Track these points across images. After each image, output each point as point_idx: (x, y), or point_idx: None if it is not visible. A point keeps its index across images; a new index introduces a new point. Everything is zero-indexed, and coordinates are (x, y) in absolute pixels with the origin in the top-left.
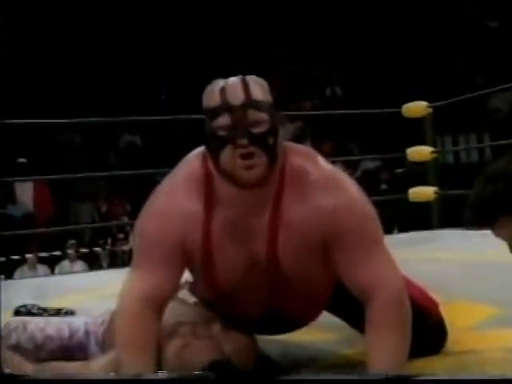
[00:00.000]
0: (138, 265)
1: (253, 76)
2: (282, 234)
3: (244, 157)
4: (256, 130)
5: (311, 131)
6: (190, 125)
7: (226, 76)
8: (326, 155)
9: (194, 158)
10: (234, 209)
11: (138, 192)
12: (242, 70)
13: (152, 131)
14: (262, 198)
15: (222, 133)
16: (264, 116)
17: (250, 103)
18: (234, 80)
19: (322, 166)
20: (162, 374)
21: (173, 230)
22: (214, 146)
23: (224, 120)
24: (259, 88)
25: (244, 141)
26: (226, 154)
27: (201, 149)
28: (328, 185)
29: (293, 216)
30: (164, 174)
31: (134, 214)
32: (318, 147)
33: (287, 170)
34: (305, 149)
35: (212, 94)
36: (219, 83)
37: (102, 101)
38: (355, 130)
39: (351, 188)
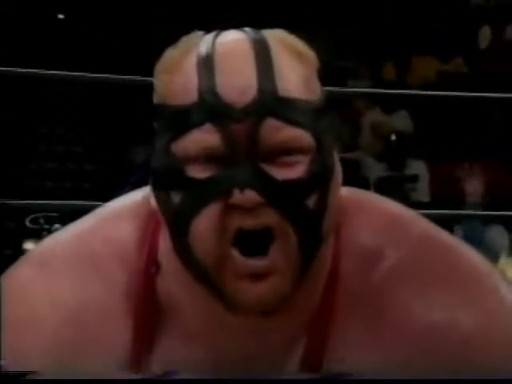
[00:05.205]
0: None
1: (276, 31)
2: None
3: (245, 244)
4: (282, 174)
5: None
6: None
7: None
8: None
9: (122, 218)
10: (211, 342)
11: None
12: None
13: None
14: (282, 328)
15: (196, 173)
16: (304, 138)
17: (272, 105)
18: (232, 40)
19: (436, 241)
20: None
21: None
22: (176, 203)
23: (205, 139)
24: (295, 64)
25: (252, 195)
26: (205, 225)
27: (139, 198)
28: (447, 286)
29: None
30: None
31: None
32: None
33: (344, 256)
34: (388, 206)
35: (179, 73)
36: (200, 46)
37: None
38: None
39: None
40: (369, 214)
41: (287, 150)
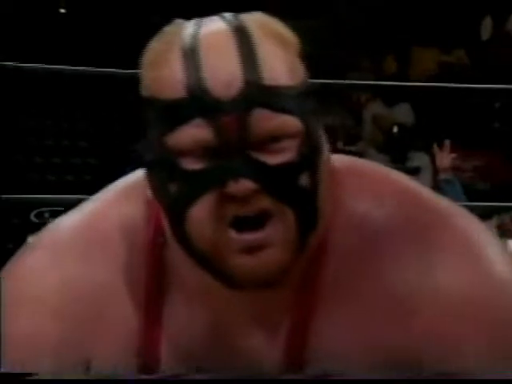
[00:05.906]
0: None
1: (256, 15)
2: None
3: (242, 224)
4: (273, 160)
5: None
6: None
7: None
8: None
9: (127, 197)
10: (212, 312)
11: None
12: None
13: None
14: (276, 297)
15: (190, 165)
16: (292, 124)
17: (259, 96)
18: (215, 31)
19: (425, 204)
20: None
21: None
22: (172, 193)
23: (197, 134)
24: (278, 50)
25: (246, 183)
26: (202, 213)
27: (141, 177)
28: (434, 247)
29: (337, 335)
30: None
31: None
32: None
33: (338, 224)
34: (379, 170)
35: (165, 67)
36: (183, 39)
37: None
38: None
39: (491, 250)
40: (359, 180)
41: (276, 137)
